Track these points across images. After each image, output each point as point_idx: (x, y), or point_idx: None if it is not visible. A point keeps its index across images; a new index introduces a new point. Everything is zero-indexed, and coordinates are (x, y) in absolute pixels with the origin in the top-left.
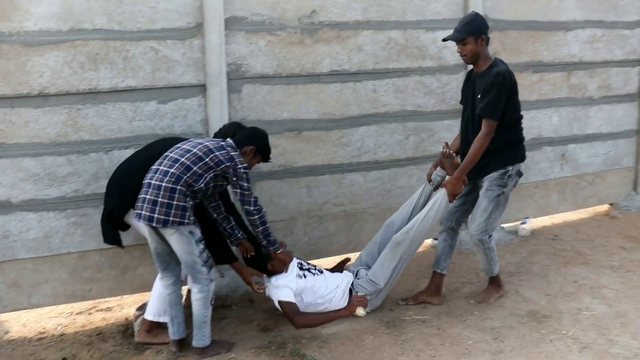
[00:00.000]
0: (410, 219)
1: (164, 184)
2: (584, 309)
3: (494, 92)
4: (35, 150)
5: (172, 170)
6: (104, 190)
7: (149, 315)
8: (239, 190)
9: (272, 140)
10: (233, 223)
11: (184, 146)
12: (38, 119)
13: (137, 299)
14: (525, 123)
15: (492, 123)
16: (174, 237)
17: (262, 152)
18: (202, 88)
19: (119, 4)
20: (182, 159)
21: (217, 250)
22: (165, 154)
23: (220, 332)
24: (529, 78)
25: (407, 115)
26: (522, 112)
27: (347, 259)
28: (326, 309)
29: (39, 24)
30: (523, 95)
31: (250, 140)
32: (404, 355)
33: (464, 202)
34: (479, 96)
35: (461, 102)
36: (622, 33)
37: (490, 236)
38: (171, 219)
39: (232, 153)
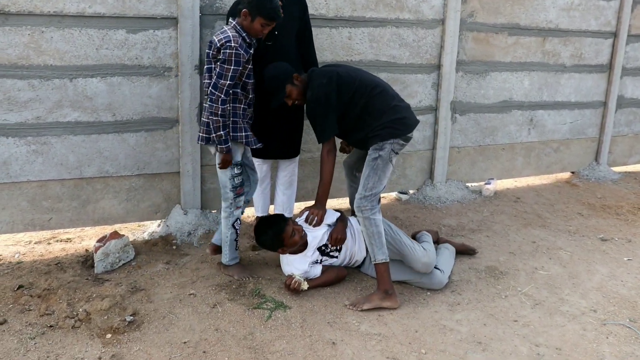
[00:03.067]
0: None
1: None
2: (540, 268)
3: (317, 118)
4: None
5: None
6: (67, 119)
7: None
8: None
9: None
10: None
11: None
12: None
13: (98, 231)
14: (497, 84)
15: (327, 143)
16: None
17: (259, 9)
18: (173, 21)
19: None
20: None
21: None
22: None
23: (180, 268)
24: (504, 40)
25: (380, 65)
26: (495, 73)
27: None
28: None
29: None
30: (497, 56)
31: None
32: None
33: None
34: None
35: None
36: (599, 3)
37: (370, 205)
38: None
39: (220, 34)
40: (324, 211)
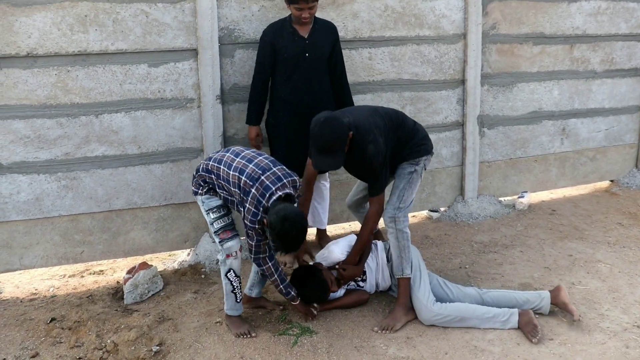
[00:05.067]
0: None
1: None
2: (577, 283)
3: (381, 172)
4: (24, 112)
5: (213, 162)
6: (95, 154)
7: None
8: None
9: None
10: None
11: (245, 161)
12: (27, 80)
13: (130, 262)
14: (524, 95)
15: (378, 199)
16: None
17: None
18: (193, 52)
19: None
20: (230, 166)
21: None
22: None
23: (208, 297)
24: (529, 50)
25: (403, 84)
26: (522, 84)
27: None
28: None
29: None
30: (523, 66)
31: (270, 217)
32: None
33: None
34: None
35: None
36: (628, 6)
37: (404, 217)
38: (192, 187)
39: (248, 206)
40: (361, 269)
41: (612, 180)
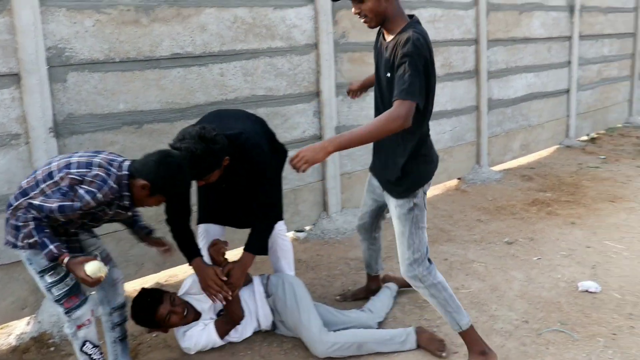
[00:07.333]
0: None
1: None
2: (461, 287)
3: (407, 67)
4: None
5: (31, 177)
6: None
7: None
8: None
9: (109, 136)
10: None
11: (71, 153)
12: None
13: None
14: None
15: (408, 104)
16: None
17: (162, 191)
18: (15, 78)
19: None
20: (54, 159)
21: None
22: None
23: None
24: None
25: (258, 100)
26: (373, 92)
27: None
28: None
29: None
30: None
31: (146, 173)
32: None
33: (373, 204)
34: (388, 74)
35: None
36: (458, 13)
37: (429, 270)
38: (7, 237)
39: (96, 174)
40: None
41: (459, 178)
